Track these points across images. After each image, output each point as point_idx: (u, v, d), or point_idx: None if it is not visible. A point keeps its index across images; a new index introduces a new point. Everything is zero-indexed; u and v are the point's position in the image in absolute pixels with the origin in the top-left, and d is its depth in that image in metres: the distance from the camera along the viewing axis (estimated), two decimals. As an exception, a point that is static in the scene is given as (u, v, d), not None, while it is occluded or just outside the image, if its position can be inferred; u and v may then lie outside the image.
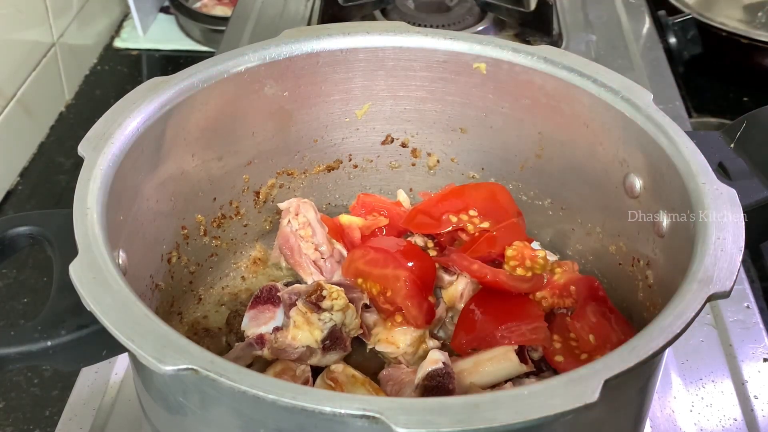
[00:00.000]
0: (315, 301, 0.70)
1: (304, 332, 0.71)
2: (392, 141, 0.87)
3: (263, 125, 0.81)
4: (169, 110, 0.72)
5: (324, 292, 0.71)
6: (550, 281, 0.75)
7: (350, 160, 0.88)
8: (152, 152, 0.71)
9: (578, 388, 0.49)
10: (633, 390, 0.62)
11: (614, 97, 0.73)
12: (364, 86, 0.83)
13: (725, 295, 0.56)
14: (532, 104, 0.80)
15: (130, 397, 0.84)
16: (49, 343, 0.58)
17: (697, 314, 0.54)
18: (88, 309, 0.54)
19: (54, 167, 1.34)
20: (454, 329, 0.75)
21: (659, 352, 0.52)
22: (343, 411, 0.48)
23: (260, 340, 0.72)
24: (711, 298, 0.55)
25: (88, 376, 0.86)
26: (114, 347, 0.54)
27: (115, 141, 0.66)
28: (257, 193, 0.84)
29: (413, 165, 0.88)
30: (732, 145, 0.74)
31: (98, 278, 0.55)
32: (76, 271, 0.55)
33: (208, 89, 0.75)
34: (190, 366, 0.49)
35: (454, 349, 0.74)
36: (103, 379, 0.86)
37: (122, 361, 0.87)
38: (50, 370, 0.98)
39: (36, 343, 0.58)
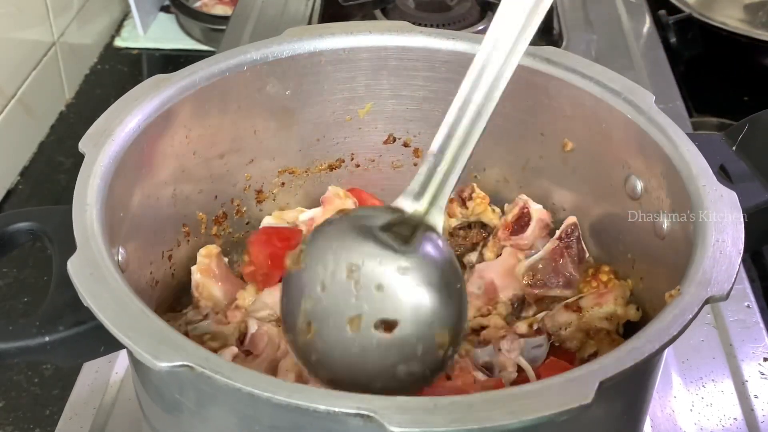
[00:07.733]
0: None
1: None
2: (394, 141, 0.87)
3: (265, 123, 0.81)
4: (171, 108, 0.72)
5: None
6: None
7: (352, 159, 0.88)
8: (153, 150, 0.71)
9: (573, 389, 0.49)
10: (632, 390, 0.62)
11: (616, 98, 0.73)
12: (367, 85, 0.83)
13: (723, 298, 0.55)
14: (534, 105, 0.79)
15: (130, 396, 0.84)
16: (47, 339, 0.58)
17: (695, 317, 0.54)
18: (86, 305, 0.54)
19: (54, 166, 1.35)
20: None
21: (656, 354, 0.52)
22: (337, 409, 0.48)
23: None
24: (708, 301, 0.55)
25: (88, 376, 0.86)
26: (112, 343, 0.54)
27: (116, 138, 0.66)
28: (259, 192, 0.84)
29: (415, 165, 0.88)
30: (734, 148, 0.73)
31: (96, 274, 0.55)
32: (74, 266, 0.56)
33: (210, 87, 0.75)
34: (185, 363, 0.49)
35: None
36: (103, 379, 0.86)
37: (122, 361, 0.87)
38: (51, 369, 0.98)
39: (34, 339, 0.58)
